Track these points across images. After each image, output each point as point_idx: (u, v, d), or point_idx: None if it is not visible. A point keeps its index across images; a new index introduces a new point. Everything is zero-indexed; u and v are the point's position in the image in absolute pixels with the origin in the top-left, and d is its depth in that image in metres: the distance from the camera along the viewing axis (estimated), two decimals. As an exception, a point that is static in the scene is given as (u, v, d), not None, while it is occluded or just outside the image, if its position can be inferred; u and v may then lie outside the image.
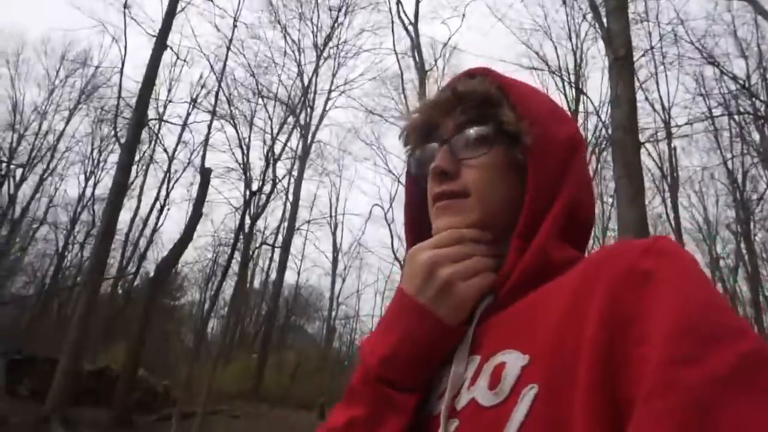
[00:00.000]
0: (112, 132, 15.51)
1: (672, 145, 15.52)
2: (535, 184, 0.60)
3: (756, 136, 15.43)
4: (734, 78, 11.25)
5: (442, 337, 0.58)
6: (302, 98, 18.31)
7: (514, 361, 0.50)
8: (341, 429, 0.57)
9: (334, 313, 24.30)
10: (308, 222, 22.68)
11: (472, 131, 0.64)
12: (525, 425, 0.45)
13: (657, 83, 15.44)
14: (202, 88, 17.51)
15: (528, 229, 0.59)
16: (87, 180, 22.35)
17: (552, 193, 0.61)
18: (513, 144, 0.62)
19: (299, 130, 19.02)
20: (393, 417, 0.55)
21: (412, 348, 0.57)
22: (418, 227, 0.72)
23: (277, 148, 15.60)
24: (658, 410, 0.37)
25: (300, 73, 18.44)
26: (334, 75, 20.81)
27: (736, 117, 13.32)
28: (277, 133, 16.11)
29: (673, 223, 15.35)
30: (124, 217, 18.44)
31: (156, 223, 21.25)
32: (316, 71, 19.02)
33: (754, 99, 12.32)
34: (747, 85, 12.13)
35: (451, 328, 0.58)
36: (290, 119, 17.44)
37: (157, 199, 21.04)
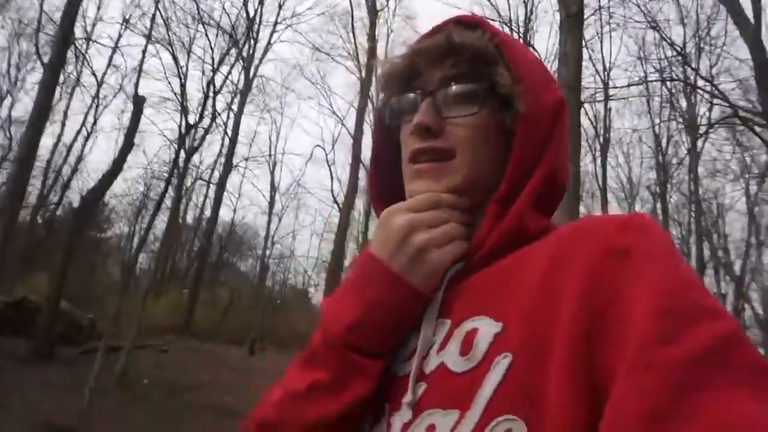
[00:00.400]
0: (33, 49, 14.11)
1: (608, 106, 16.10)
2: (521, 151, 0.58)
3: (684, 103, 16.26)
4: (671, 44, 11.64)
5: (414, 304, 0.56)
6: (247, 29, 17.31)
7: (486, 327, 0.50)
8: (303, 393, 0.55)
9: (268, 252, 24.19)
10: (246, 159, 22.01)
11: (463, 87, 0.60)
12: (497, 393, 0.45)
13: (601, 43, 15.78)
14: (136, 7, 16.11)
15: (508, 195, 0.58)
16: (2, 99, 20.41)
17: (534, 160, 0.59)
18: (504, 107, 0.60)
19: (241, 62, 18.04)
20: (359, 381, 0.54)
21: (381, 315, 0.55)
22: (384, 182, 0.69)
23: (218, 81, 14.84)
24: (639, 387, 0.37)
25: (245, 2, 17.33)
26: (280, 6, 19.67)
27: (668, 83, 13.89)
28: (218, 64, 15.28)
29: (600, 181, 16.16)
30: (46, 142, 17.16)
31: (81, 151, 19.89)
32: (262, 1, 17.94)
33: (686, 67, 12.85)
34: (683, 52, 12.60)
35: (423, 295, 0.56)
36: (232, 51, 16.52)
37: (83, 125, 19.56)
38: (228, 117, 18.64)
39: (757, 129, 8.89)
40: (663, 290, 0.42)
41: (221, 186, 18.66)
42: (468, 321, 0.52)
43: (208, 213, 20.82)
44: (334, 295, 0.60)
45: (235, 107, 18.61)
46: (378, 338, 0.55)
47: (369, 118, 16.51)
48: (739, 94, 11.54)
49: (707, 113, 13.61)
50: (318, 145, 21.84)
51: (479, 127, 0.60)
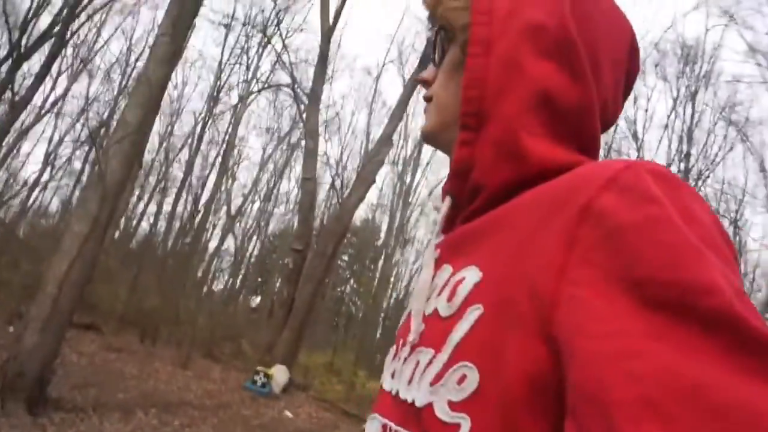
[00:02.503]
0: None
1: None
2: (467, 73, 0.57)
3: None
4: None
5: None
6: None
7: (470, 277, 0.51)
8: None
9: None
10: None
11: (439, 38, 0.65)
12: (464, 340, 0.47)
13: None
14: None
15: (474, 120, 0.56)
16: None
17: (501, 84, 0.56)
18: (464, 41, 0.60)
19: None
20: None
21: None
22: None
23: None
24: (591, 357, 0.36)
25: None
26: None
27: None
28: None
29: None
30: None
31: None
32: None
33: None
34: None
35: None
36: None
37: None
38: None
39: None
40: (627, 269, 0.38)
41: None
42: (462, 270, 0.53)
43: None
44: None
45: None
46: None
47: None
48: None
49: None
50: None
51: (446, 68, 0.64)
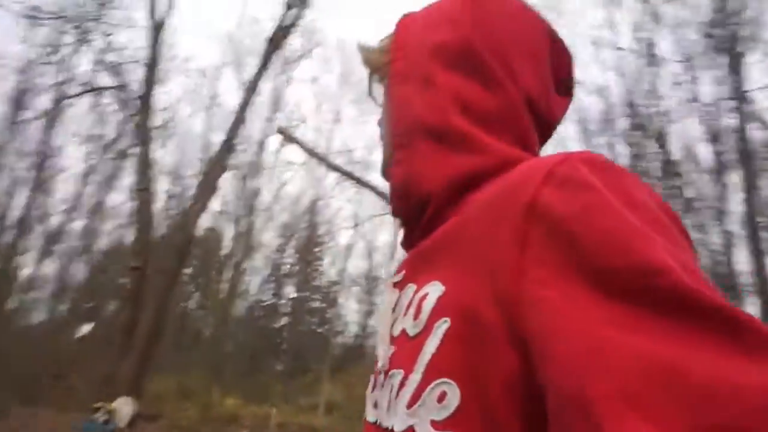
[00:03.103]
0: None
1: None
2: (390, 100, 0.66)
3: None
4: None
5: None
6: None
7: (433, 291, 0.50)
8: None
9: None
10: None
11: (372, 83, 0.74)
12: (435, 359, 0.46)
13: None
14: None
15: (405, 138, 0.62)
16: None
17: (424, 101, 0.62)
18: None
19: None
20: None
21: None
22: None
23: None
24: (561, 356, 0.36)
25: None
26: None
27: None
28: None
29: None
30: None
31: None
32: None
33: None
34: None
35: None
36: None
37: None
38: None
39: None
40: (574, 254, 0.39)
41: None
42: (425, 286, 0.52)
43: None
44: None
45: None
46: None
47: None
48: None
49: None
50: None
51: (382, 107, 0.71)
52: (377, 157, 0.70)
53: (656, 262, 0.36)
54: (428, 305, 0.50)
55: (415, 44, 0.65)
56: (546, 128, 0.66)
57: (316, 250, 25.81)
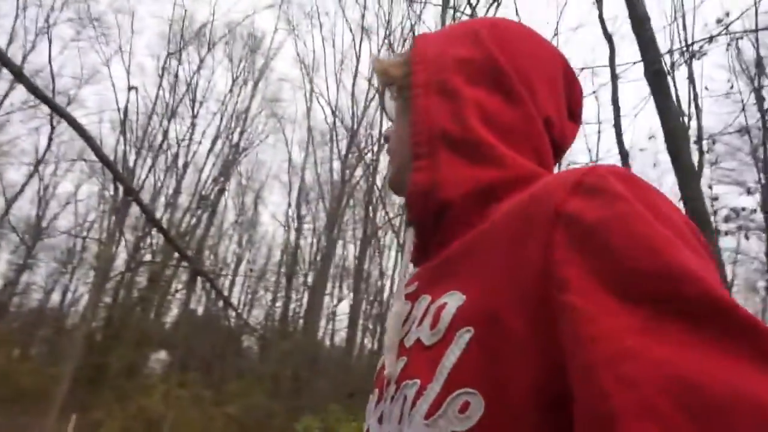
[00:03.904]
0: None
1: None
2: (414, 110, 0.65)
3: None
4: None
5: None
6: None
7: (453, 301, 0.51)
8: None
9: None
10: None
11: (387, 96, 0.75)
12: (458, 366, 0.46)
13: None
14: None
15: (427, 148, 0.63)
16: None
17: (447, 111, 0.63)
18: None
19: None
20: None
21: None
22: None
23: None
24: (585, 365, 0.37)
25: None
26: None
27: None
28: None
29: None
30: None
31: None
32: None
33: None
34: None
35: None
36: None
37: None
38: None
39: None
40: (603, 265, 0.40)
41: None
42: (443, 296, 0.53)
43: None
44: None
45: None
46: None
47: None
48: None
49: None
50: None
51: (395, 120, 0.73)
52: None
53: (684, 269, 0.37)
54: (447, 314, 0.50)
55: (437, 58, 0.67)
56: (557, 151, 0.68)
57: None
